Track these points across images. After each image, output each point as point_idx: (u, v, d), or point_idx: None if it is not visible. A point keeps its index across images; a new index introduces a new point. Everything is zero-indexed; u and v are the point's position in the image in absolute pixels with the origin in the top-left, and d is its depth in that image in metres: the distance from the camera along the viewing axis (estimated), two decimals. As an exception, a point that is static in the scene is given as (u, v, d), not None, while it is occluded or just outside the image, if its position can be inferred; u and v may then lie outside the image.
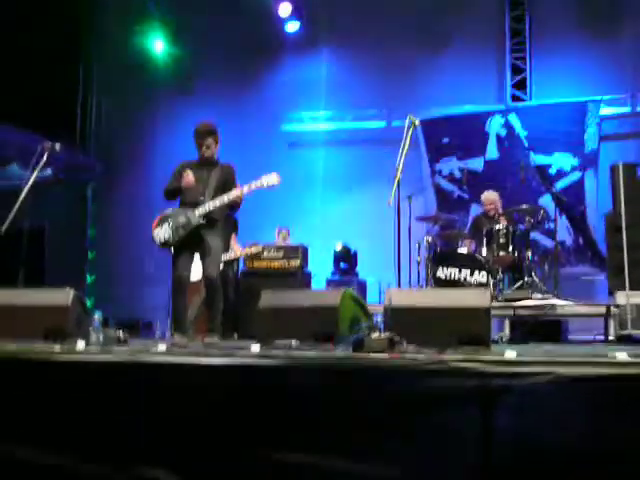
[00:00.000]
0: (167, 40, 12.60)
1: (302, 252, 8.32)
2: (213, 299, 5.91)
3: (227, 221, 7.90)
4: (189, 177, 5.95)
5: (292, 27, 11.90)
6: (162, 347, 4.19)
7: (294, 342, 4.01)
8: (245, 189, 5.96)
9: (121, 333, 4.98)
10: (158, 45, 12.56)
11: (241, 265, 8.44)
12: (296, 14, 11.75)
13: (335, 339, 4.12)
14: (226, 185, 6.00)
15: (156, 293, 11.35)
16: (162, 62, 12.73)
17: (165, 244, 6.00)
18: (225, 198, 5.88)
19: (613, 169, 7.51)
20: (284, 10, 11.66)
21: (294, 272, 8.20)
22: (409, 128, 7.66)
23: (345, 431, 3.48)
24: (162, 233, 5.96)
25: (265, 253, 8.28)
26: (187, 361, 3.85)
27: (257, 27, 11.75)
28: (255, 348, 3.91)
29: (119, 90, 13.25)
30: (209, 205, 5.85)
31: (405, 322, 4.07)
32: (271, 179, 6.08)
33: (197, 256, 6.15)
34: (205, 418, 3.74)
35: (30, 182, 6.69)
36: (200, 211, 5.85)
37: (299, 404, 3.57)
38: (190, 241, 5.90)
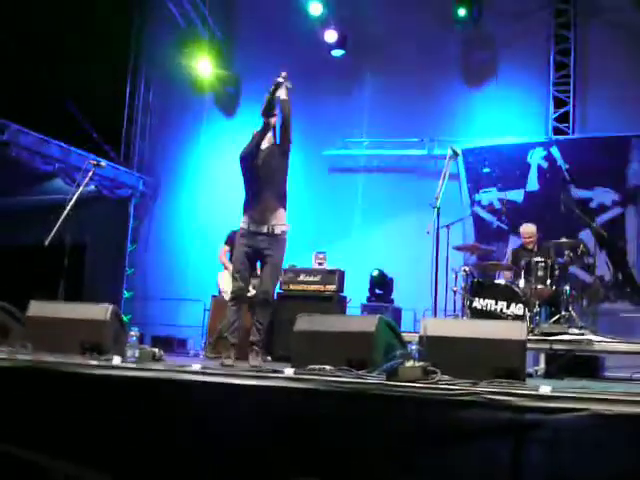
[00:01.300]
0: (214, 62, 12.77)
1: (338, 276, 8.32)
2: (265, 315, 5.72)
3: None
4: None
5: (337, 53, 11.99)
6: (196, 366, 4.23)
7: (328, 367, 4.02)
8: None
9: (156, 350, 5.03)
10: (205, 66, 12.74)
11: (277, 287, 8.47)
12: (341, 41, 11.84)
13: (369, 366, 4.12)
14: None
15: (191, 311, 11.46)
16: (207, 83, 12.91)
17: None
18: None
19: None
20: (330, 36, 11.76)
21: (330, 296, 8.19)
22: (450, 158, 7.68)
23: (376, 459, 3.48)
24: None
25: (302, 276, 8.30)
26: (220, 381, 3.89)
27: (302, 52, 11.88)
28: (289, 371, 3.93)
29: (164, 109, 13.49)
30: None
31: (440, 352, 4.06)
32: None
33: None
34: (236, 440, 3.76)
35: (74, 197, 6.81)
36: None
37: (330, 430, 3.58)
38: (252, 253, 5.73)
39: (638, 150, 10.16)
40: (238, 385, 3.81)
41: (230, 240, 7.99)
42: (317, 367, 4.02)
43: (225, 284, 8.01)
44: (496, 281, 8.06)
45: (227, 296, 7.77)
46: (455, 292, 8.21)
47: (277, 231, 5.68)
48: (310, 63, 11.94)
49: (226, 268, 8.13)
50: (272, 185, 5.77)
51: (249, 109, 12.59)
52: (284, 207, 5.80)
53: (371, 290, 10.26)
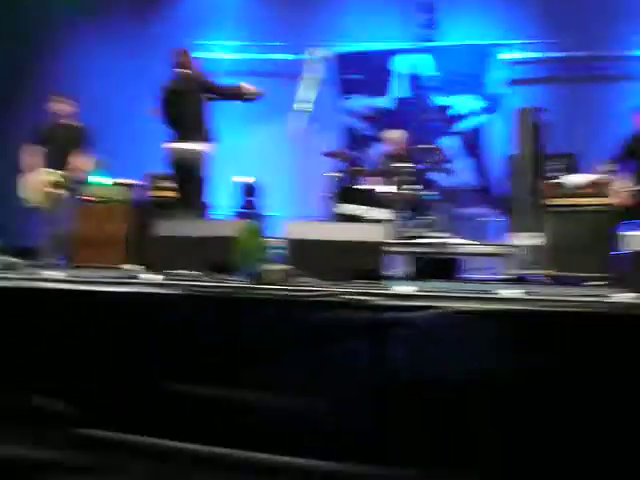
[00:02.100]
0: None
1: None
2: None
3: (75, 131, 7.61)
4: None
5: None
6: (57, 274, 4.11)
7: (188, 271, 3.98)
8: None
9: (13, 259, 4.85)
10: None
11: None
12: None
13: (232, 270, 4.12)
14: None
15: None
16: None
17: None
18: None
19: (518, 113, 7.70)
20: None
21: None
22: (314, 62, 7.62)
23: (242, 360, 3.51)
24: None
25: (165, 183, 8.13)
26: (78, 288, 3.79)
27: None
28: (146, 276, 3.87)
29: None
30: None
31: (303, 255, 4.11)
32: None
33: None
34: (100, 348, 3.71)
35: None
36: None
37: (192, 335, 3.57)
38: None
39: (499, 58, 10.38)
40: (96, 292, 3.73)
41: (36, 137, 7.54)
42: (179, 272, 3.98)
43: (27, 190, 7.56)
44: (360, 186, 8.18)
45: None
46: (323, 198, 8.27)
47: None
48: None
49: (28, 170, 7.52)
50: None
51: (103, 15, 12.01)
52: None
53: (241, 198, 10.22)
